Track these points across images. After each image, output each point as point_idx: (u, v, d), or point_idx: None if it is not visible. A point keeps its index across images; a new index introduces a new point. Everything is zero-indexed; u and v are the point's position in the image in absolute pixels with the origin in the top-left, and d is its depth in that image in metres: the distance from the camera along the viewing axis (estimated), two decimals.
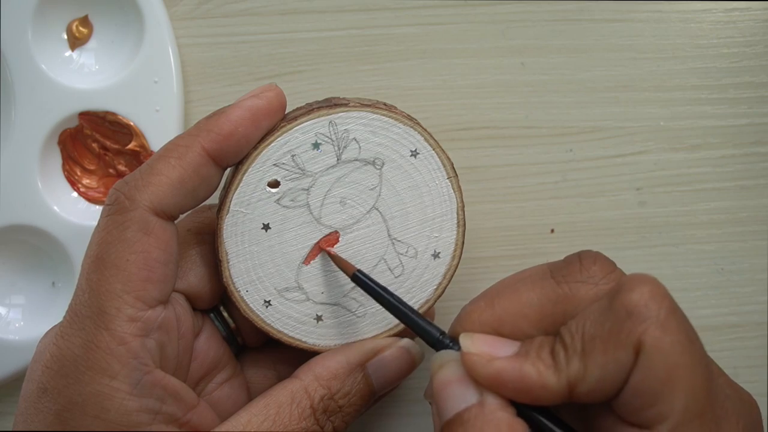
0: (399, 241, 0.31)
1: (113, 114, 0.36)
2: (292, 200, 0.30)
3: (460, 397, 0.26)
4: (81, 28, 0.37)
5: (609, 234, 0.38)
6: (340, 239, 0.31)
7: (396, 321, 0.31)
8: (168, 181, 0.28)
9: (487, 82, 0.37)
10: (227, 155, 0.29)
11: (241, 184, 0.30)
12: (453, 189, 0.31)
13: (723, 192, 0.38)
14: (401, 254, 0.31)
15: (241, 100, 0.30)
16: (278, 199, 0.30)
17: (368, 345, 0.31)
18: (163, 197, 0.28)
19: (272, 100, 0.30)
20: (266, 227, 0.30)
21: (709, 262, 0.38)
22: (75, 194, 0.37)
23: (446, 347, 0.27)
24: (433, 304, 0.32)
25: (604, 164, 0.38)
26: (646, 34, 0.38)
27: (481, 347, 0.26)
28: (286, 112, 0.31)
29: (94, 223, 0.36)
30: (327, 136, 0.30)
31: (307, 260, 0.31)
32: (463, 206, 0.31)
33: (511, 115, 0.37)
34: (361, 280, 0.29)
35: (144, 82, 0.36)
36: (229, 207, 0.30)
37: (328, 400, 0.29)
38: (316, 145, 0.30)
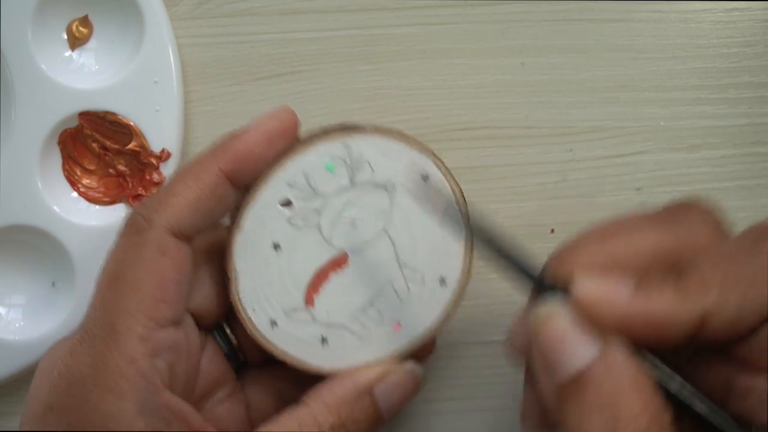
0: (407, 265, 0.31)
1: (113, 114, 0.36)
2: (303, 220, 0.30)
3: (579, 351, 0.23)
4: (81, 28, 0.37)
5: None
6: (348, 261, 0.31)
7: (402, 345, 0.31)
8: (185, 201, 0.29)
9: (487, 82, 0.37)
10: (243, 175, 0.29)
11: (254, 203, 0.30)
12: (462, 216, 0.31)
13: (723, 192, 0.38)
14: (408, 279, 0.31)
15: (256, 121, 0.30)
16: (290, 219, 0.30)
17: (375, 370, 0.30)
18: (180, 218, 0.28)
19: (286, 121, 0.30)
20: (276, 246, 0.30)
21: None
22: (75, 194, 0.37)
23: (546, 292, 0.24)
24: (439, 331, 0.31)
25: (604, 164, 0.38)
26: (646, 34, 0.38)
27: (601, 288, 0.24)
28: (300, 134, 0.31)
29: (94, 223, 0.36)
30: (341, 158, 0.30)
31: (314, 288, 0.30)
32: (472, 234, 0.31)
33: (511, 115, 0.37)
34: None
35: (144, 82, 0.36)
36: (241, 225, 0.30)
37: (338, 428, 0.29)
38: (329, 167, 0.30)
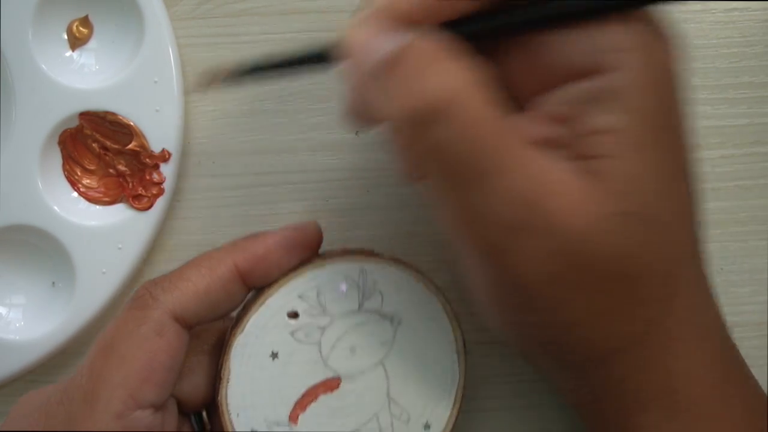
0: (396, 402, 0.31)
1: (113, 114, 0.36)
2: (306, 335, 0.30)
3: (387, 41, 0.24)
4: (81, 28, 0.37)
5: None
6: (340, 386, 0.31)
7: None
8: (194, 288, 0.29)
9: None
10: (256, 276, 0.30)
11: (262, 306, 0.30)
12: (458, 366, 0.31)
13: (723, 192, 0.38)
14: (394, 416, 0.31)
15: (281, 228, 0.30)
16: (293, 331, 0.30)
17: None
18: (186, 304, 0.28)
19: (310, 234, 0.31)
20: (274, 355, 0.30)
21: (709, 262, 0.38)
22: (75, 194, 0.37)
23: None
24: None
25: None
26: None
27: None
28: (321, 251, 0.31)
29: (94, 223, 0.36)
30: (355, 282, 0.30)
31: (301, 406, 0.30)
32: (465, 386, 0.31)
33: None
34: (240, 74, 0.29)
35: (144, 82, 0.36)
36: (244, 326, 0.30)
37: None
38: (343, 288, 0.30)
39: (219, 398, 0.30)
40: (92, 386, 0.27)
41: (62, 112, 0.35)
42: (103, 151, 0.37)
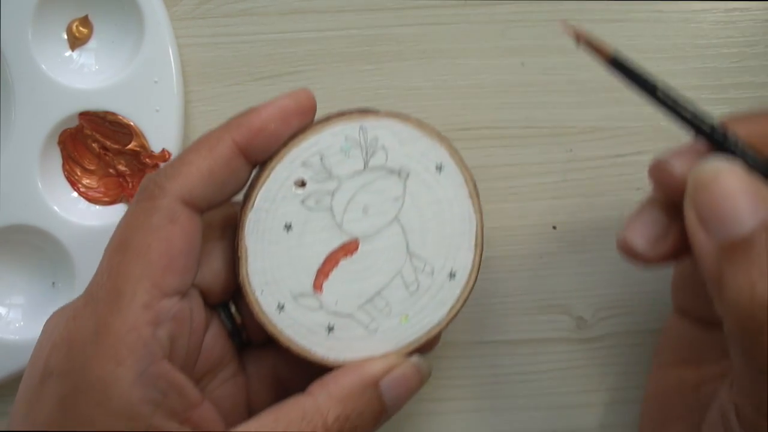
0: (417, 256, 0.30)
1: (113, 114, 0.36)
2: (316, 202, 0.30)
3: (751, 212, 0.22)
4: (81, 28, 0.37)
5: (609, 234, 0.38)
6: (359, 248, 0.30)
7: (408, 339, 0.31)
8: (198, 171, 0.28)
9: (487, 82, 0.37)
10: (257, 150, 0.29)
11: (268, 180, 0.29)
12: (473, 208, 0.31)
13: None
14: (418, 270, 0.31)
15: (274, 99, 0.30)
16: (303, 200, 0.30)
17: (381, 363, 0.30)
18: (193, 187, 0.28)
19: (303, 100, 0.30)
20: (288, 227, 0.30)
21: None
22: (75, 194, 0.37)
23: (723, 147, 0.23)
24: (445, 326, 0.31)
25: (604, 164, 0.38)
26: (646, 34, 0.38)
27: None
28: (317, 117, 0.31)
29: (95, 223, 0.36)
30: (356, 141, 0.30)
31: (323, 273, 0.30)
32: (483, 227, 0.31)
33: (511, 115, 0.37)
34: (619, 64, 0.26)
35: (144, 82, 0.36)
36: (254, 202, 0.29)
37: (343, 420, 0.28)
38: (345, 149, 0.30)
39: (240, 278, 0.29)
40: (114, 284, 0.27)
41: (62, 112, 0.35)
42: (103, 151, 0.37)
